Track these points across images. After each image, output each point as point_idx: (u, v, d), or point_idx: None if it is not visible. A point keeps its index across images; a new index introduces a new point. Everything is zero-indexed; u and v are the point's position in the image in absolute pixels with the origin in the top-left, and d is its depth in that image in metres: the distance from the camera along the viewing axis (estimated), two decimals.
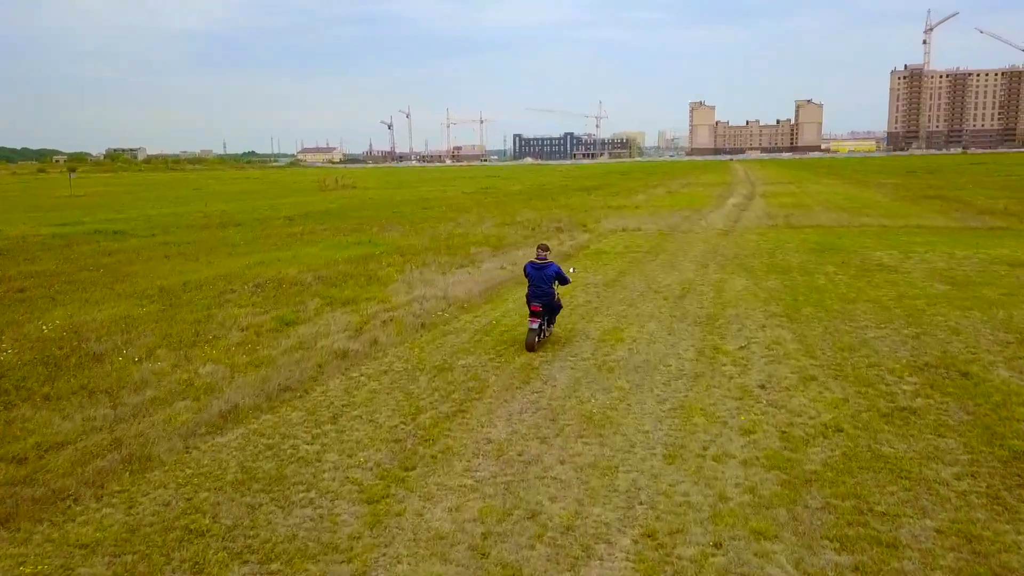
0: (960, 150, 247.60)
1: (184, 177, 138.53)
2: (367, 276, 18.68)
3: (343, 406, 9.18)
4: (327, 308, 14.95)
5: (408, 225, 33.41)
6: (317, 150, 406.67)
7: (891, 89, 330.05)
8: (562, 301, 12.79)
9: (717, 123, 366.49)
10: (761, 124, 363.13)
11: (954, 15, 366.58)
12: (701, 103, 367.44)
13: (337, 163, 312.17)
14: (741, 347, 11.37)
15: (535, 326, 11.40)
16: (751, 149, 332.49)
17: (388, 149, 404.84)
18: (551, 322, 12.20)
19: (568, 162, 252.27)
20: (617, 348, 11.60)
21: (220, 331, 13.08)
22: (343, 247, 25.18)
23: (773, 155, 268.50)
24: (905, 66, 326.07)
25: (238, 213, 43.41)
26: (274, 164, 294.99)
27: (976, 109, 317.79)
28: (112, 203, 56.99)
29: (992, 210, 33.45)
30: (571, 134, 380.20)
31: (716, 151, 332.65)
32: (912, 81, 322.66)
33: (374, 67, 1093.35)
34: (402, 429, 8.37)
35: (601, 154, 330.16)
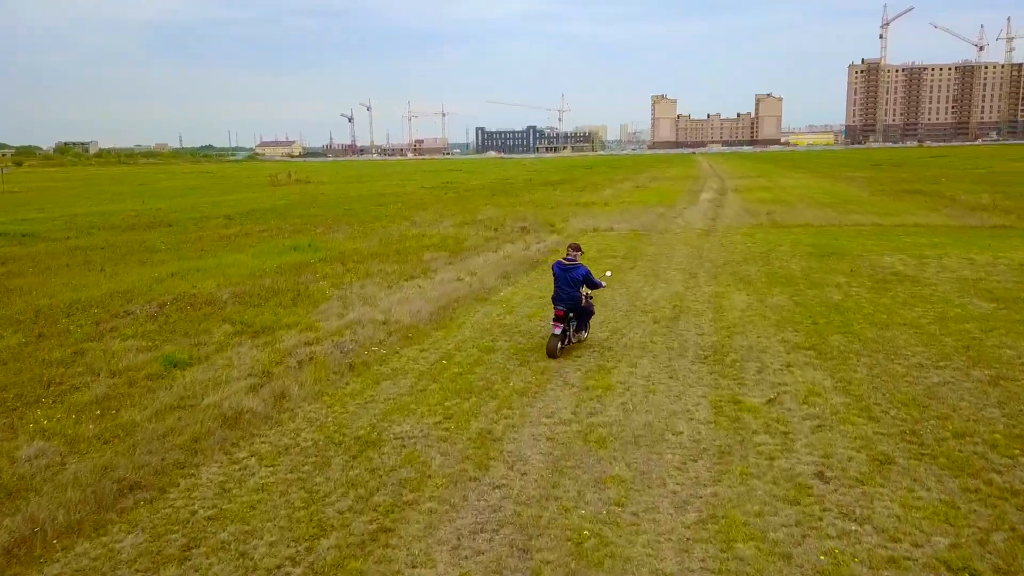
0: (916, 143, 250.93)
1: (134, 172, 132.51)
2: (295, 293, 15.55)
3: (208, 521, 6.13)
4: (235, 340, 11.83)
5: (357, 225, 30.22)
6: (276, 144, 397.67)
7: (849, 83, 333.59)
8: (594, 306, 11.67)
9: (679, 117, 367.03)
10: (722, 118, 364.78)
11: (909, 10, 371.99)
12: (663, 97, 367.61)
13: (297, 157, 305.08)
14: (769, 400, 8.61)
15: (557, 331, 10.63)
16: (712, 142, 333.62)
17: (349, 142, 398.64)
18: (582, 327, 11.33)
19: (531, 155, 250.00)
20: (606, 402, 8.74)
21: (82, 379, 9.90)
22: (277, 253, 21.94)
23: (734, 148, 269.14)
24: (863, 60, 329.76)
25: (174, 212, 39.65)
26: (232, 158, 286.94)
27: (931, 103, 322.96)
28: (42, 200, 52.51)
29: (981, 206, 31.42)
30: (534, 127, 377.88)
31: (678, 144, 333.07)
32: (869, 75, 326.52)
33: (335, 59, 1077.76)
34: None
35: (564, 148, 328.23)
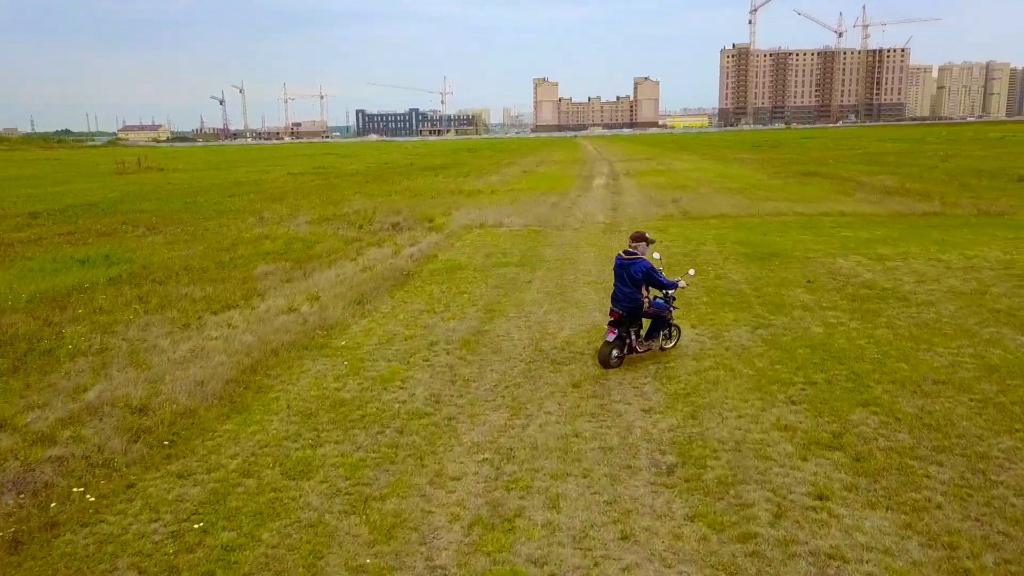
0: (784, 125, 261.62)
1: None
2: (29, 344, 10.25)
3: None
4: None
5: (192, 223, 24.49)
6: (141, 128, 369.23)
7: (721, 67, 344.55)
8: (669, 314, 9.39)
9: (560, 100, 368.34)
10: (602, 101, 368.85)
11: None
12: (544, 80, 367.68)
13: (164, 142, 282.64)
14: None
15: (611, 337, 8.95)
16: (593, 125, 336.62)
17: (221, 126, 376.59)
18: (654, 334, 9.38)
19: (414, 139, 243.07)
20: None
21: None
22: (56, 269, 16.25)
23: (615, 131, 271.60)
24: (733, 45, 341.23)
25: None
26: (91, 143, 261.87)
27: (796, 87, 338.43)
28: None
29: (891, 189, 29.28)
30: (416, 110, 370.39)
31: (560, 127, 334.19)
32: (739, 60, 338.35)
33: (204, 39, 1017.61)
34: None
35: (448, 131, 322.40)
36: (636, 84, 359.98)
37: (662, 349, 9.42)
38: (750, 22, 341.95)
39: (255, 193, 37.08)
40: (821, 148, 70.82)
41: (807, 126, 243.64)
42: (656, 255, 9.76)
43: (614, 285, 9.17)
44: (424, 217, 24.70)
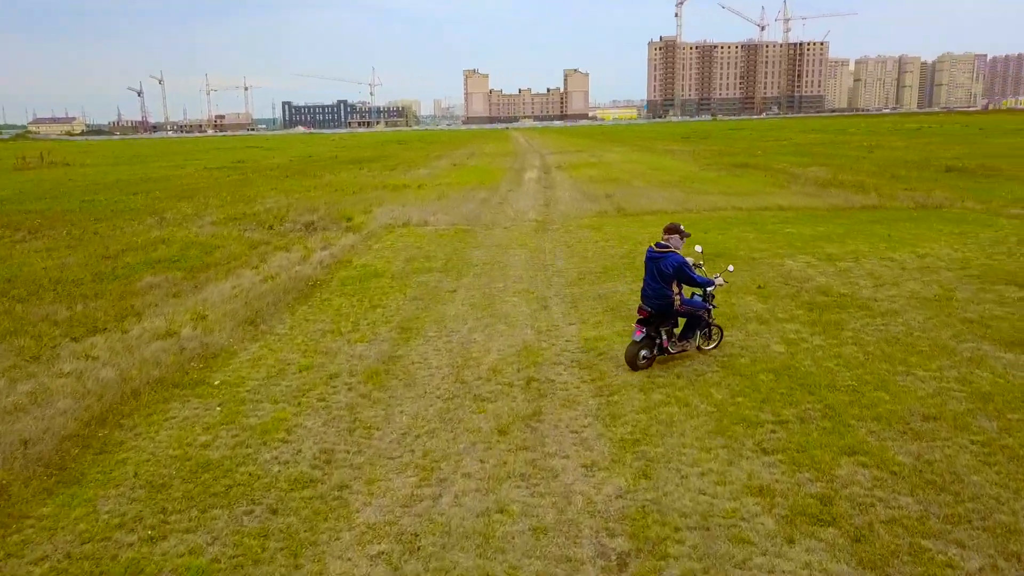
0: (710, 117, 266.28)
1: None
2: None
3: None
4: None
5: (82, 225, 22.02)
6: (54, 120, 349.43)
7: (649, 59, 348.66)
8: (707, 313, 8.56)
9: (491, 91, 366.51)
10: (533, 92, 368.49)
11: None
12: (475, 71, 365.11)
13: (78, 135, 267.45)
14: None
15: (638, 336, 8.20)
16: (525, 117, 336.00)
17: (140, 119, 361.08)
18: (689, 335, 8.45)
19: (343, 131, 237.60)
20: None
21: None
22: None
23: (546, 123, 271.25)
24: (660, 38, 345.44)
25: None
26: None
27: (721, 79, 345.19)
28: None
29: (826, 182, 28.79)
30: (345, 102, 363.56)
31: (491, 119, 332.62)
32: (666, 52, 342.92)
33: (121, 27, 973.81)
34: None
35: (377, 122, 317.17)
36: (566, 76, 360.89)
37: (700, 350, 8.68)
38: (676, 15, 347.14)
39: (162, 190, 34.35)
40: (748, 139, 71.30)
41: (732, 118, 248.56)
42: (698, 248, 9.06)
43: (643, 280, 8.41)
44: (342, 216, 22.83)
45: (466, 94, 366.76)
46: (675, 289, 8.27)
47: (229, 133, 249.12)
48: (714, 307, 8.82)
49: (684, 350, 8.54)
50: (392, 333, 10.25)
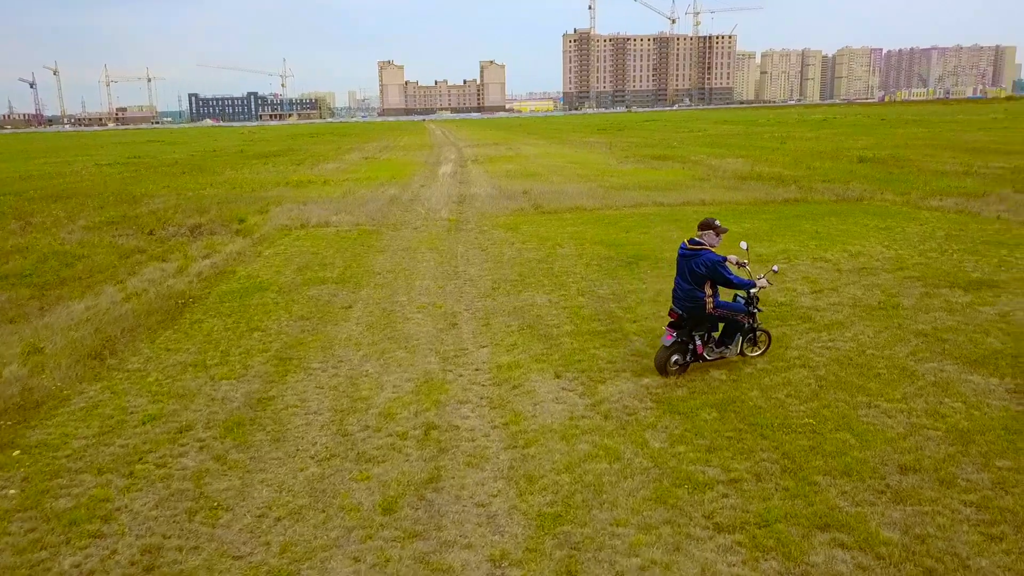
0: (625, 109, 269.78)
1: None
2: None
3: None
4: None
5: None
6: None
7: (564, 52, 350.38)
8: (748, 318, 7.69)
9: (407, 83, 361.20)
10: (449, 84, 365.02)
11: None
12: (390, 63, 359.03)
13: None
14: None
15: (667, 341, 7.56)
16: (442, 109, 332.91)
17: (34, 111, 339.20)
18: (724, 342, 7.74)
19: (253, 123, 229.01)
20: None
21: None
22: None
23: (463, 115, 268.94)
24: (575, 30, 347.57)
25: None
26: None
27: (635, 71, 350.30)
28: None
29: (741, 174, 28.35)
30: (255, 94, 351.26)
31: (408, 111, 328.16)
32: (581, 44, 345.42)
33: (7, 15, 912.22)
34: None
35: (290, 115, 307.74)
36: (482, 68, 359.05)
37: (743, 356, 7.91)
38: (590, 7, 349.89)
39: (38, 190, 31.13)
40: (664, 131, 71.55)
41: (646, 109, 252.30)
42: (743, 244, 8.22)
43: (675, 279, 7.74)
44: (234, 217, 20.72)
45: (381, 86, 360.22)
46: (708, 291, 7.48)
47: (131, 127, 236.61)
48: (759, 310, 7.97)
49: (723, 357, 7.81)
50: (268, 365, 8.58)
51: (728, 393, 7.10)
